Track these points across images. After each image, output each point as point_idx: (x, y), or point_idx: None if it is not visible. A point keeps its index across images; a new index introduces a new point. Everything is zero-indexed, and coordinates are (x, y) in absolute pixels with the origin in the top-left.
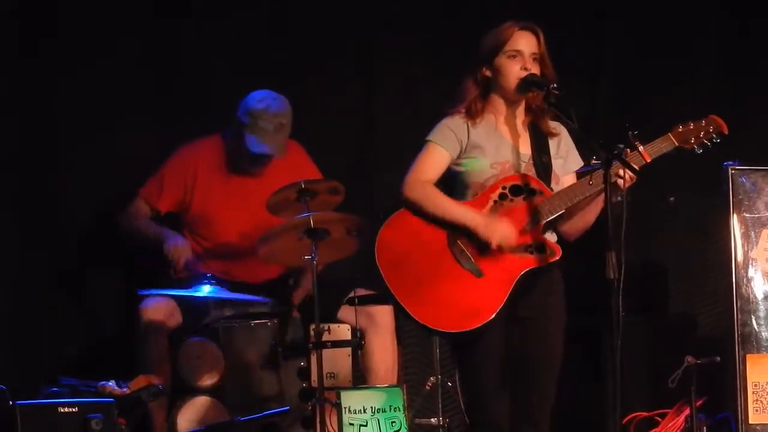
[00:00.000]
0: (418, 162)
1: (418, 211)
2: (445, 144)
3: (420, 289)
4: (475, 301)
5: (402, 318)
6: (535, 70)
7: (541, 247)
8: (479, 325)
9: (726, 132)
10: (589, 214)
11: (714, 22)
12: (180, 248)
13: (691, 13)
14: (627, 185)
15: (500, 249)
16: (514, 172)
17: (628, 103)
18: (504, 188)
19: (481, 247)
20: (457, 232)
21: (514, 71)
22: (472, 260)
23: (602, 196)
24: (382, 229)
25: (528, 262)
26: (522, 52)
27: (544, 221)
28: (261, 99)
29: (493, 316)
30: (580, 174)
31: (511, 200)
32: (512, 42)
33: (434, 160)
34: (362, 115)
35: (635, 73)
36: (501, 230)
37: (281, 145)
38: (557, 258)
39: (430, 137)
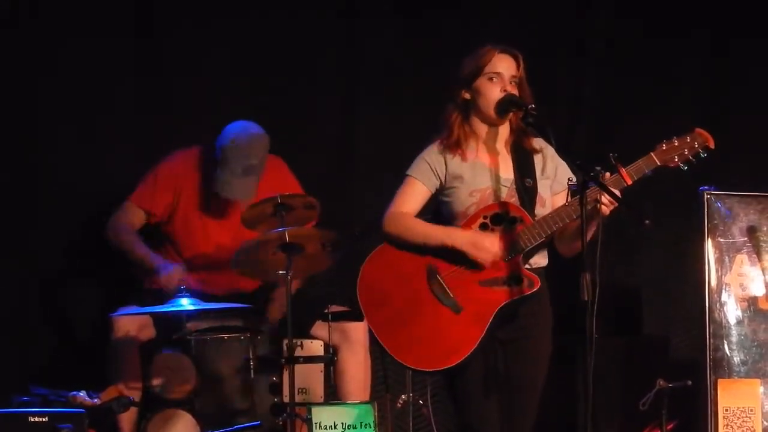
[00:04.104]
0: (396, 196)
1: (400, 244)
2: (422, 178)
3: (400, 327)
4: (453, 338)
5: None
6: (514, 93)
7: (518, 279)
8: (457, 363)
9: (713, 146)
10: (587, 233)
11: (696, 43)
12: (175, 276)
13: (673, 34)
14: (609, 210)
15: (490, 265)
16: (495, 198)
17: (609, 124)
18: (485, 218)
19: (460, 279)
20: (438, 258)
21: (493, 93)
22: (451, 295)
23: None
24: (363, 265)
25: (505, 295)
26: (501, 74)
27: (523, 252)
28: (236, 137)
29: (471, 352)
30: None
31: (492, 230)
32: (492, 64)
33: (412, 194)
34: (342, 130)
35: (616, 93)
36: (487, 245)
37: (249, 187)
38: (535, 289)
39: (408, 171)
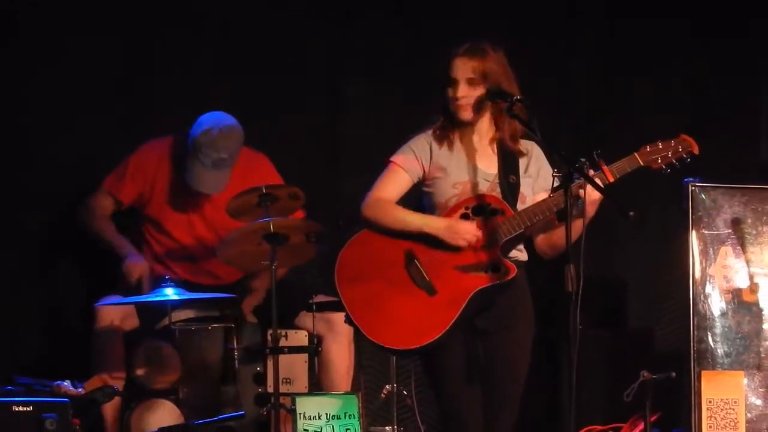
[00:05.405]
0: (378, 182)
1: (378, 228)
2: (405, 165)
3: (374, 307)
4: (425, 318)
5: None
6: (475, 92)
7: (496, 266)
8: (427, 343)
9: (696, 152)
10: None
11: (679, 41)
12: (137, 268)
13: (657, 33)
14: (596, 199)
15: (469, 247)
16: (477, 191)
17: (593, 120)
18: (467, 208)
19: (438, 264)
20: (418, 244)
21: (449, 99)
22: (427, 279)
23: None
24: (343, 249)
25: (481, 280)
26: (456, 79)
27: (502, 241)
28: (208, 129)
29: (442, 333)
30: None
31: (473, 221)
32: (450, 70)
33: (394, 180)
34: (328, 122)
35: (601, 91)
36: (463, 230)
37: (219, 180)
38: (511, 277)
39: (393, 158)
